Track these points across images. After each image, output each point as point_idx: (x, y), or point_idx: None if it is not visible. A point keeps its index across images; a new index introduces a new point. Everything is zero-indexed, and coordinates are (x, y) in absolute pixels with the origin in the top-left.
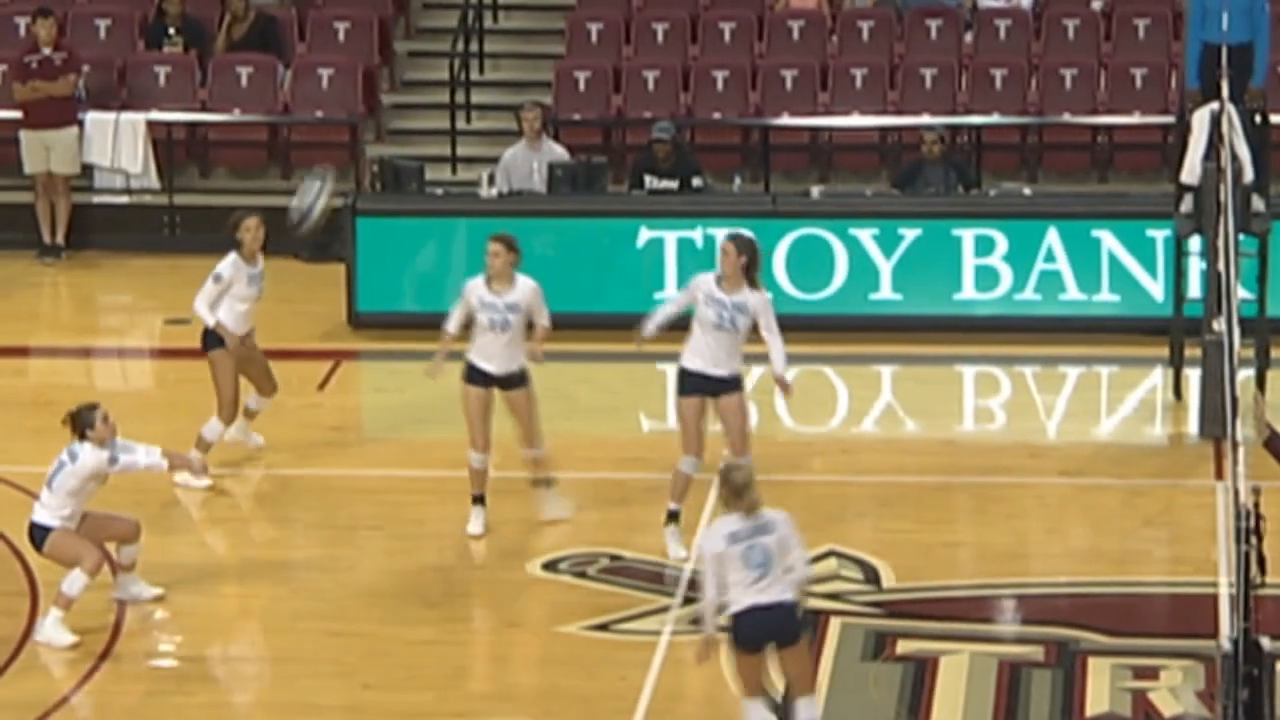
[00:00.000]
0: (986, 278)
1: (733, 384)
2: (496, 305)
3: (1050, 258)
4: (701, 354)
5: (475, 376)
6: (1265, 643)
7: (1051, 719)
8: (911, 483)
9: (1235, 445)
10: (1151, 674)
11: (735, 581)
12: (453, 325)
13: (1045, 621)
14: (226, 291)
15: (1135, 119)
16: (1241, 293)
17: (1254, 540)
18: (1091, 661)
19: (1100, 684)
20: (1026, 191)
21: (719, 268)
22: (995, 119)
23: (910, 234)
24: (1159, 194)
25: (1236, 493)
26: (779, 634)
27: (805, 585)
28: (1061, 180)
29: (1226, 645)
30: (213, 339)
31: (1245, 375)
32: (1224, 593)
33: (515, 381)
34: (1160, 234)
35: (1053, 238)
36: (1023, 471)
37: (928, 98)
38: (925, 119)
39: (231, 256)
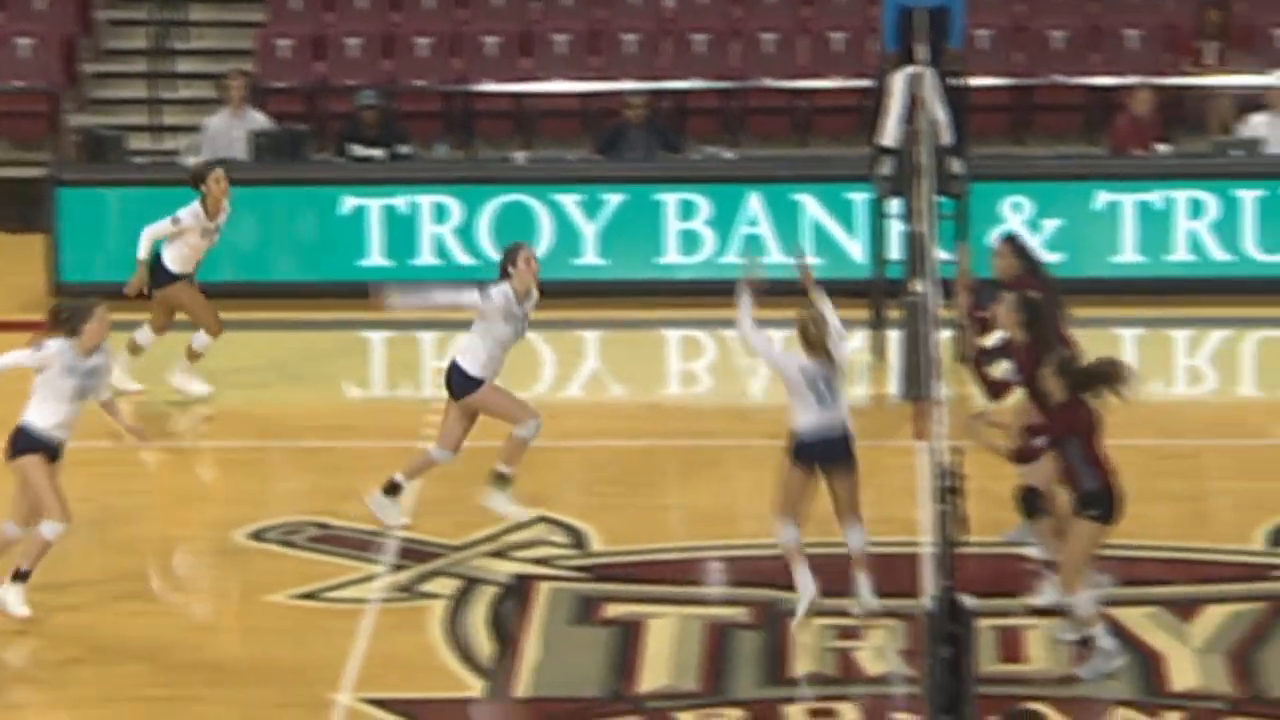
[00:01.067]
0: (689, 242)
1: None
2: None
3: (752, 221)
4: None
5: None
6: (966, 601)
7: (758, 680)
8: (619, 447)
9: (936, 405)
10: (856, 633)
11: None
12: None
13: (752, 583)
14: (179, 236)
15: (834, 83)
16: (940, 254)
17: (955, 500)
18: (796, 622)
19: (806, 644)
20: (728, 155)
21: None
22: (697, 83)
23: (613, 199)
24: (858, 157)
25: (937, 452)
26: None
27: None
28: (763, 144)
29: (929, 604)
30: (164, 275)
31: (945, 336)
32: (926, 552)
33: None
34: (860, 197)
35: (754, 201)
36: (730, 434)
37: (630, 63)
38: (627, 84)
39: (194, 206)
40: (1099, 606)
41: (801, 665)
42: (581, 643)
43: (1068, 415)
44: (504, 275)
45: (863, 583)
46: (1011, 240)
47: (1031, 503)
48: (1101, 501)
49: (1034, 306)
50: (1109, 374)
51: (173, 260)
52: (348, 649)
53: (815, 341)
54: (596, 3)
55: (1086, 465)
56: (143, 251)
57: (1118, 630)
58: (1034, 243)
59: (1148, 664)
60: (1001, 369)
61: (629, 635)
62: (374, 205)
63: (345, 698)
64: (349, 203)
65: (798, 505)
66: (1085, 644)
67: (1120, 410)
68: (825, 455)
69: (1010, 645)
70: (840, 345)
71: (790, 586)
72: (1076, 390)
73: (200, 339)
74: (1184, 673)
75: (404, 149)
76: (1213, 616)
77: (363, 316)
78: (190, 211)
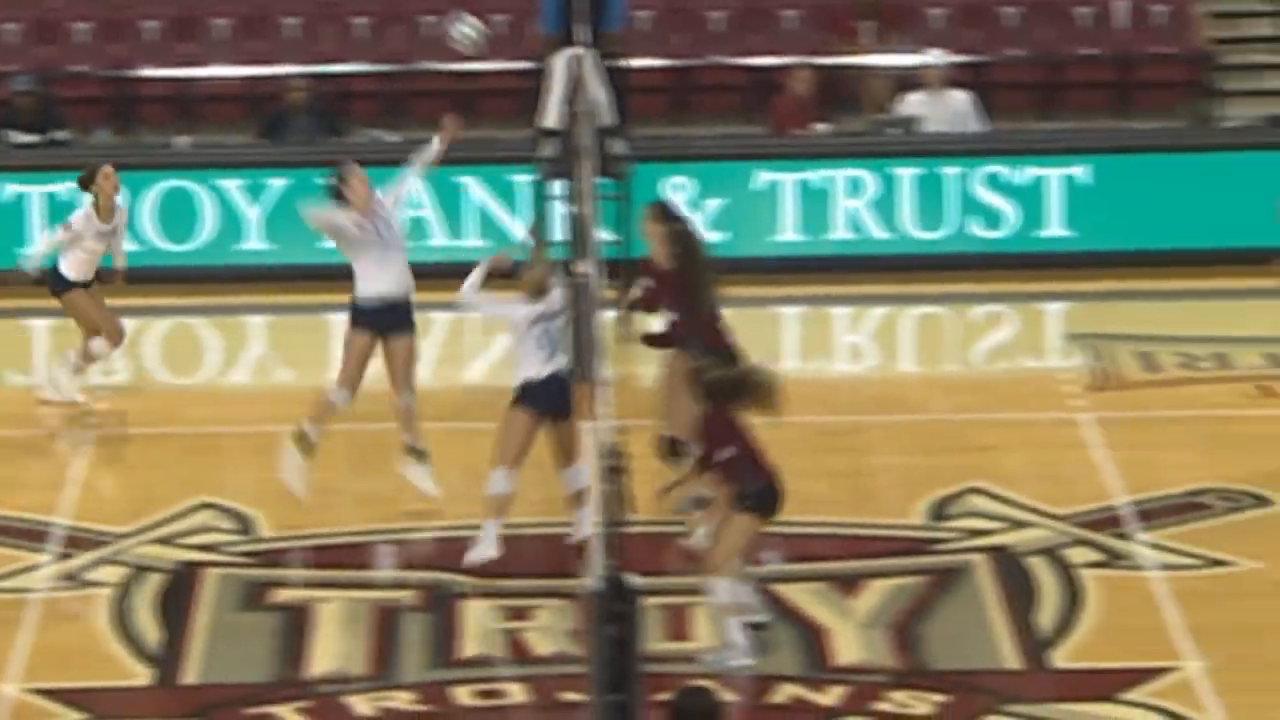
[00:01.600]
0: None
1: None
2: None
3: (416, 204)
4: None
5: None
6: (633, 580)
7: (426, 662)
8: (285, 432)
9: (599, 385)
10: (524, 614)
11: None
12: None
13: (420, 566)
14: (75, 242)
15: (497, 65)
16: (604, 235)
17: (620, 479)
18: (466, 604)
19: (474, 626)
20: (391, 138)
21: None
22: (358, 67)
23: (277, 183)
24: (521, 139)
25: (603, 432)
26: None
27: None
28: (426, 127)
29: (595, 583)
30: (62, 281)
31: (609, 316)
32: (593, 532)
33: None
34: (523, 178)
35: (418, 184)
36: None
37: (291, 47)
38: (289, 68)
39: (86, 209)
40: (740, 598)
41: (470, 647)
42: (250, 629)
43: (720, 422)
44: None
45: (584, 518)
46: (660, 206)
47: (671, 449)
48: (763, 499)
49: (686, 239)
50: (752, 388)
51: (70, 267)
52: (13, 639)
53: (541, 288)
54: None
55: (748, 467)
56: (33, 264)
57: (782, 606)
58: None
59: (811, 639)
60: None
61: (298, 620)
62: (35, 192)
63: (11, 689)
64: (10, 189)
65: (520, 456)
66: (759, 629)
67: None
68: (553, 402)
69: (678, 623)
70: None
71: (461, 569)
72: (717, 402)
73: (98, 344)
74: (847, 647)
75: (61, 135)
76: (875, 591)
77: (24, 304)
78: (83, 215)
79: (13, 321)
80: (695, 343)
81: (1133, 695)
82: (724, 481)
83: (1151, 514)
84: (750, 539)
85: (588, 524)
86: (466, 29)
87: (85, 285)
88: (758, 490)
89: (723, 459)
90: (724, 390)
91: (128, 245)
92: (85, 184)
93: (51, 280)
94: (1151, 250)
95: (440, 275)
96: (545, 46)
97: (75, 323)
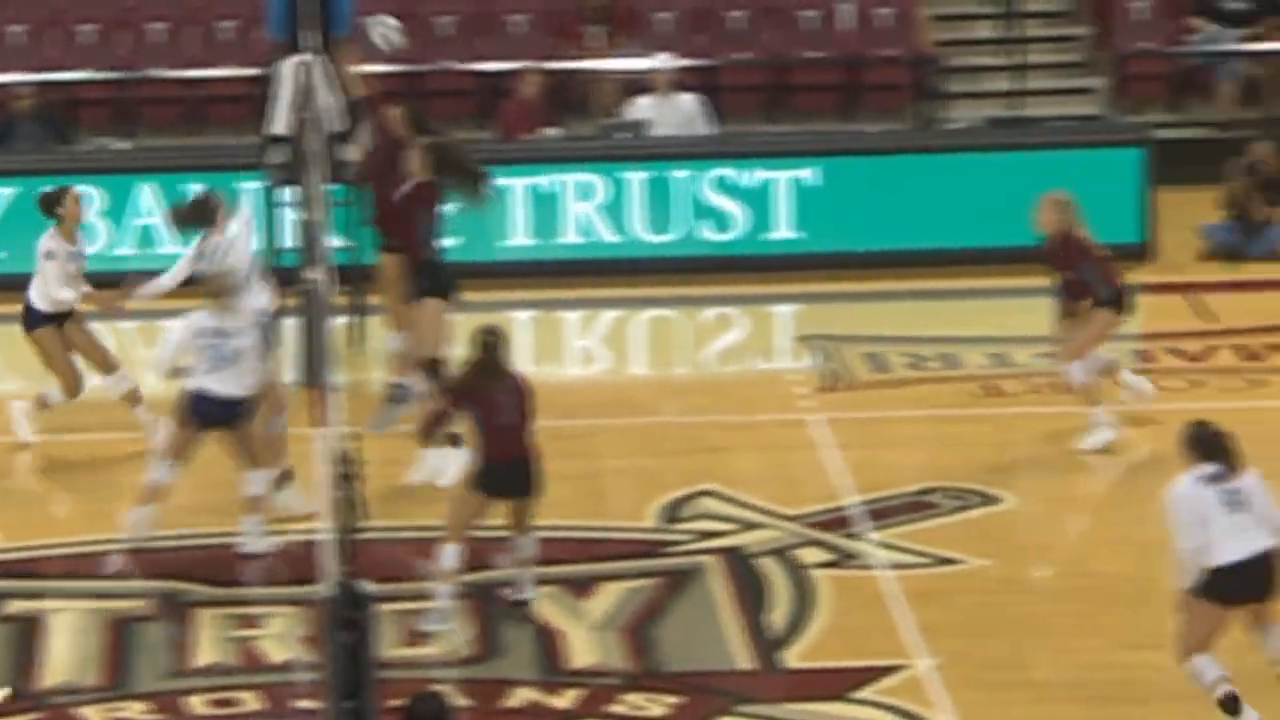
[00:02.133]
0: (84, 234)
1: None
2: None
3: (147, 212)
4: None
5: None
6: (365, 586)
7: (160, 672)
8: (11, 443)
9: (331, 392)
10: (258, 622)
11: None
12: None
13: (154, 575)
14: (49, 271)
15: (224, 71)
16: (335, 241)
17: (352, 486)
18: (199, 613)
19: (208, 635)
20: (121, 146)
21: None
22: (86, 74)
23: (6, 192)
24: (250, 146)
25: (334, 439)
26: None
27: None
28: (156, 134)
29: (328, 590)
30: (36, 317)
31: (341, 322)
32: (326, 538)
33: None
34: (253, 186)
35: (147, 192)
36: (124, 427)
37: (16, 54)
38: (14, 76)
39: (53, 234)
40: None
41: (204, 656)
42: None
43: (468, 388)
44: None
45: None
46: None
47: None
48: (484, 479)
49: (443, 150)
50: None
51: (42, 299)
52: None
53: (219, 299)
54: None
55: (481, 440)
56: (70, 299)
57: (516, 610)
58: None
59: (545, 642)
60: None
61: (29, 632)
62: None
63: None
64: None
65: (180, 459)
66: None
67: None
68: (212, 416)
69: (410, 628)
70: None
71: (194, 578)
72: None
73: (53, 394)
74: (581, 650)
75: None
76: (608, 594)
77: None
78: (52, 239)
79: None
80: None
81: (864, 694)
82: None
83: (881, 513)
84: (472, 512)
85: (255, 534)
86: (387, 30)
87: (58, 319)
88: (481, 469)
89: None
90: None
91: None
92: (50, 207)
93: (26, 315)
94: (879, 251)
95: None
96: (273, 53)
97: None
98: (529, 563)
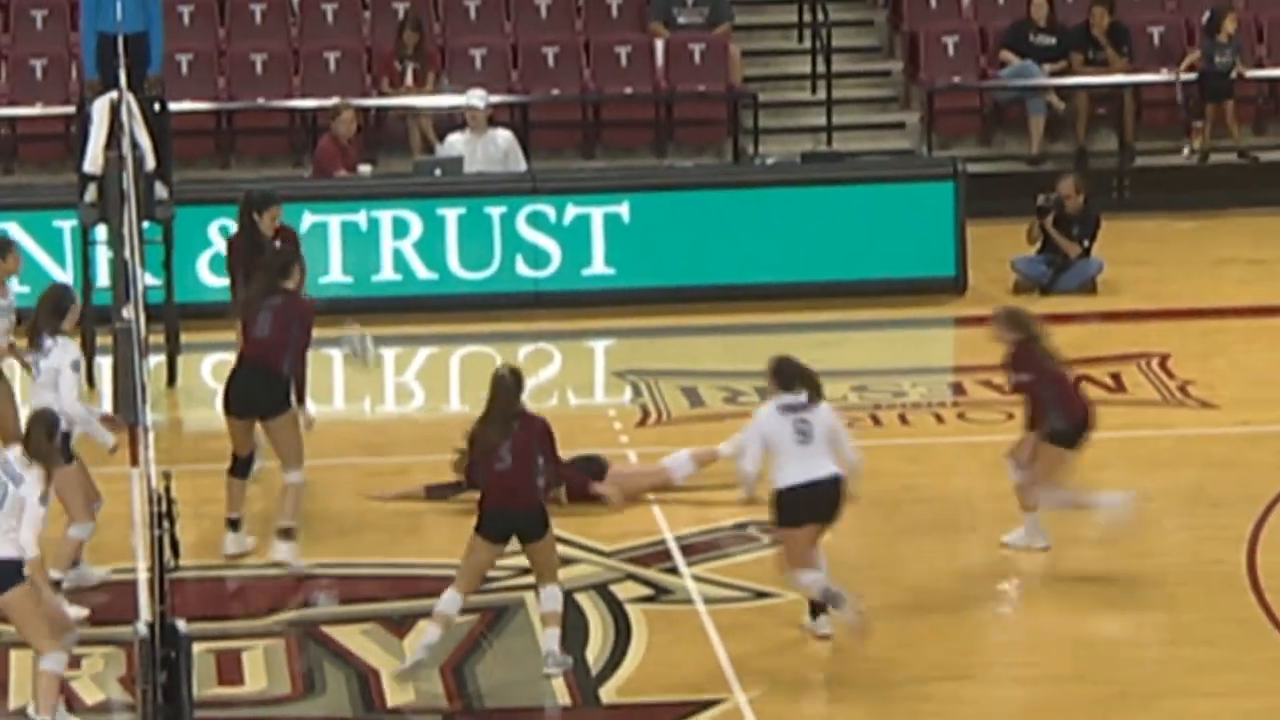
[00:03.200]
0: None
1: None
2: None
3: None
4: None
5: None
6: (181, 625)
7: None
8: None
9: (147, 431)
10: (74, 663)
11: None
12: None
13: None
14: None
15: (38, 109)
16: (149, 279)
17: (167, 525)
18: (11, 653)
19: (20, 676)
20: None
21: None
22: None
23: None
24: (64, 184)
25: (149, 478)
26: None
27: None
28: None
29: (143, 629)
30: None
31: (155, 361)
32: (141, 577)
33: None
34: (67, 224)
35: None
36: None
37: None
38: None
39: None
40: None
41: (16, 697)
42: None
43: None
44: None
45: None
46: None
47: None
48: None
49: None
50: None
51: None
52: None
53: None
54: None
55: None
56: None
57: (333, 648)
58: None
59: (364, 681)
60: None
61: None
62: None
63: None
64: None
65: None
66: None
67: (330, 431)
68: None
69: (229, 667)
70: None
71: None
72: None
73: None
74: (399, 688)
75: None
76: (425, 630)
77: None
78: None
79: None
80: None
81: None
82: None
83: (698, 547)
84: (485, 560)
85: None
86: (357, 345)
87: None
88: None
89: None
90: None
91: None
92: None
93: None
94: (694, 286)
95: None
96: (87, 90)
97: None
98: (551, 620)
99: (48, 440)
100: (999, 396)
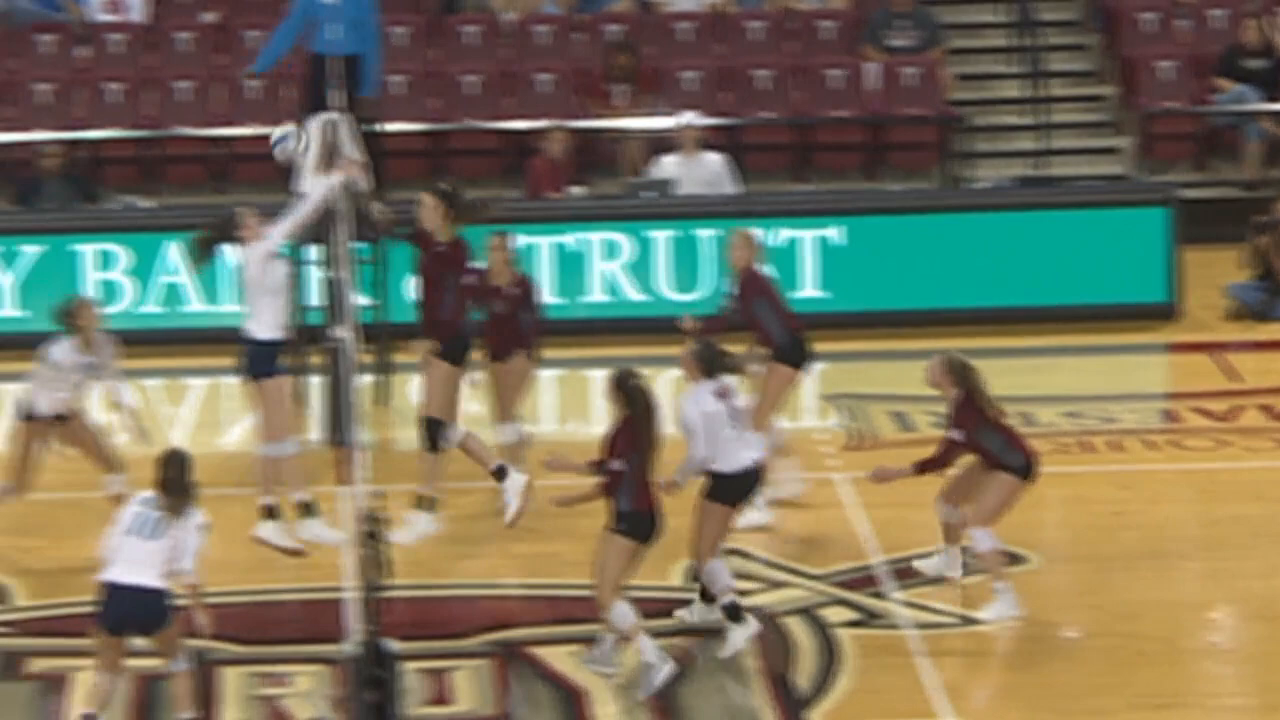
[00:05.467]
0: (109, 292)
1: None
2: None
3: (173, 270)
4: None
5: None
6: (390, 645)
7: None
8: (43, 500)
9: (356, 451)
10: (283, 681)
11: None
12: None
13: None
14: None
15: (251, 130)
16: (360, 299)
17: (377, 544)
18: (224, 671)
19: (233, 693)
20: (146, 204)
21: None
22: (112, 133)
23: (31, 250)
24: (277, 204)
25: (359, 497)
26: None
27: None
28: (181, 192)
29: (353, 648)
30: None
31: (367, 381)
32: (351, 596)
33: None
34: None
35: (174, 250)
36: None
37: (43, 113)
38: (41, 134)
39: (66, 343)
40: (635, 620)
41: (230, 715)
42: (4, 700)
43: (624, 433)
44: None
45: None
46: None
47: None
48: (636, 524)
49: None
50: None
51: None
52: None
53: None
54: (8, 53)
55: (632, 487)
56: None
57: (540, 669)
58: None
59: (571, 701)
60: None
61: (54, 690)
62: None
63: None
64: None
65: None
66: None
67: (541, 451)
68: None
69: (437, 687)
70: None
71: (218, 635)
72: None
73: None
74: (606, 709)
75: None
76: (634, 652)
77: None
78: (63, 349)
79: None
80: None
81: None
82: (606, 493)
83: (907, 573)
84: (625, 562)
85: None
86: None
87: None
88: (633, 514)
89: (613, 469)
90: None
91: None
92: (64, 319)
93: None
94: (904, 310)
95: (199, 341)
96: (300, 111)
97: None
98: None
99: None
100: (1212, 423)
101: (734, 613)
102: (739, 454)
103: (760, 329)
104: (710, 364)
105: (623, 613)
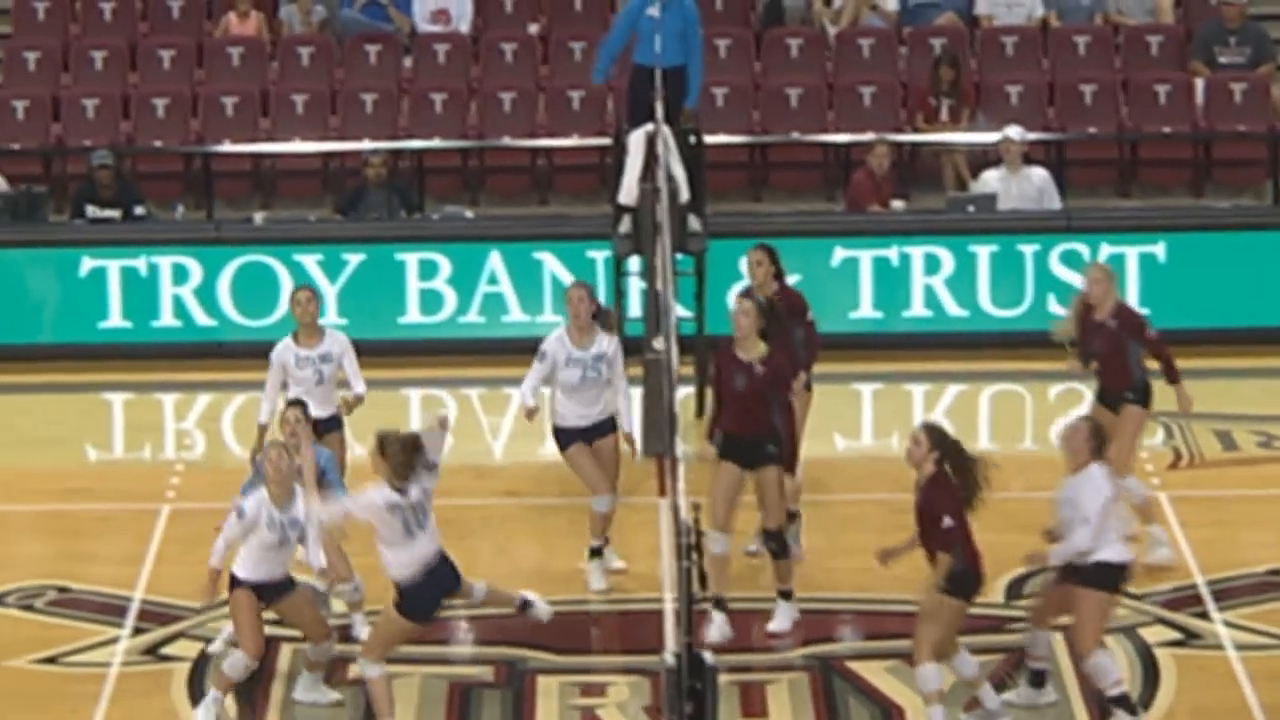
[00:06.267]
0: (431, 301)
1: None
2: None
3: (493, 280)
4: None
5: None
6: (707, 656)
7: None
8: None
9: (676, 462)
10: (599, 690)
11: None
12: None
13: (495, 642)
14: (250, 531)
15: (573, 141)
16: (680, 311)
17: (695, 556)
18: (540, 680)
19: (549, 702)
20: (468, 215)
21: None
22: (436, 143)
23: (354, 259)
24: (598, 215)
25: (678, 509)
26: None
27: None
28: (503, 203)
29: (671, 660)
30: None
31: (685, 393)
32: (668, 608)
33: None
34: (600, 255)
35: (495, 260)
36: (469, 493)
37: (368, 122)
38: (366, 144)
39: (260, 493)
40: (940, 685)
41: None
42: (325, 704)
43: (949, 490)
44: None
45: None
46: (764, 249)
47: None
48: (964, 581)
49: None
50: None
51: (248, 565)
52: (90, 714)
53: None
54: (334, 62)
55: (959, 543)
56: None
57: (858, 684)
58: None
59: (889, 717)
60: None
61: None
62: (113, 266)
63: None
64: (87, 264)
65: None
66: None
67: (858, 465)
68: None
69: (753, 700)
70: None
71: (535, 645)
72: (947, 460)
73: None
74: None
75: (139, 209)
76: (951, 669)
77: (102, 378)
78: (255, 501)
79: (93, 396)
80: None
81: None
82: (937, 550)
83: (1229, 593)
84: (953, 624)
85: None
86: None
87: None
88: (962, 573)
89: (944, 527)
90: (957, 454)
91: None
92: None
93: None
94: (1229, 328)
95: (517, 351)
96: (623, 122)
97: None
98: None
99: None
100: None
101: (1125, 703)
102: (1123, 539)
103: (1126, 367)
104: (1101, 444)
105: (932, 674)
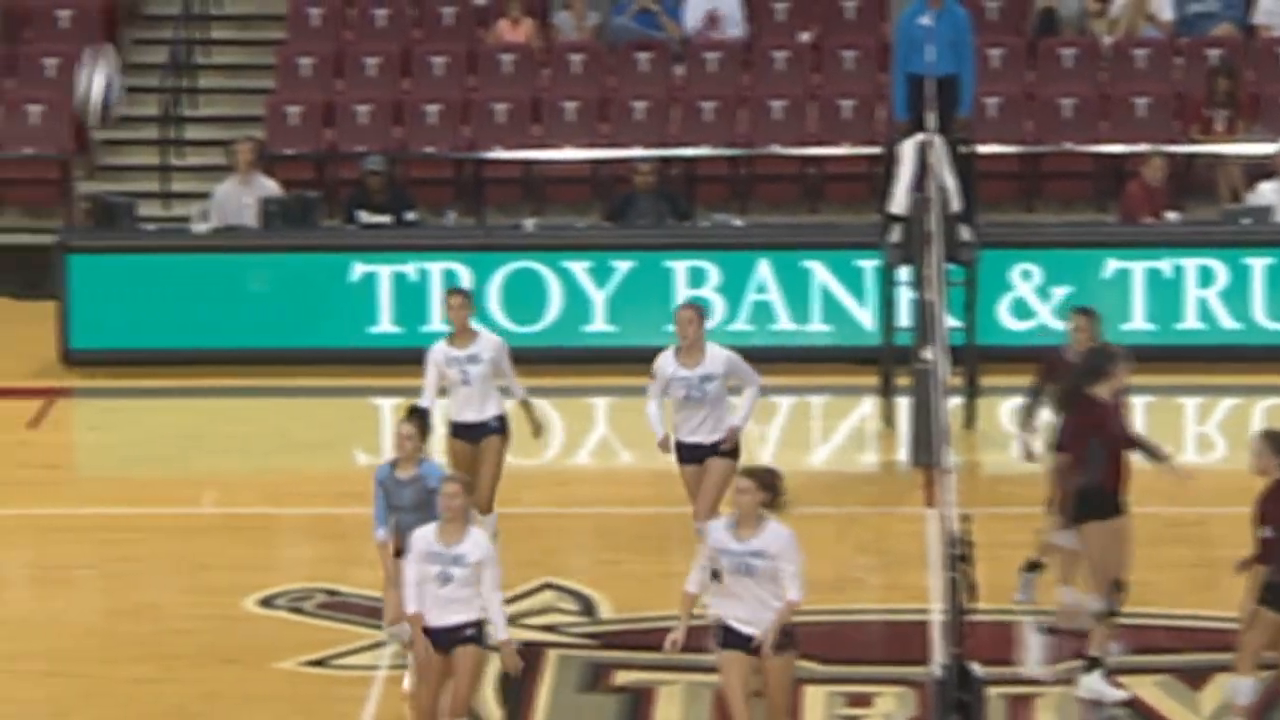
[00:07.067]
0: None
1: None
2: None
3: (762, 288)
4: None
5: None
6: (976, 668)
7: None
8: (627, 514)
9: (945, 472)
10: (865, 701)
11: None
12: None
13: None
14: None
15: (844, 150)
16: (950, 321)
17: (964, 567)
18: (807, 689)
19: (815, 711)
20: (737, 223)
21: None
22: (706, 150)
23: (623, 266)
24: (868, 224)
25: (947, 519)
26: None
27: None
28: (772, 211)
29: (938, 671)
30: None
31: (955, 403)
32: (936, 619)
33: None
34: (870, 264)
35: (764, 268)
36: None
37: (639, 130)
38: (637, 151)
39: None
40: (1251, 699)
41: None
42: (591, 710)
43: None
44: None
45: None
46: (1085, 312)
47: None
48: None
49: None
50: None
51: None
52: (357, 716)
53: None
54: (606, 70)
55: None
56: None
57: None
58: (1043, 310)
59: None
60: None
61: (639, 703)
62: (384, 272)
63: None
64: (359, 269)
65: None
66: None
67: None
68: None
69: (1020, 713)
70: None
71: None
72: None
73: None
74: None
75: (410, 215)
76: (1222, 684)
77: (372, 383)
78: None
79: (362, 401)
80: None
81: None
82: (1262, 562)
83: None
84: (1271, 637)
85: None
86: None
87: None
88: (1276, 584)
89: (1264, 537)
90: None
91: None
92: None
93: None
94: None
95: (785, 359)
96: (894, 131)
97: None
98: None
99: None
100: None
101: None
102: None
103: None
104: None
105: (1246, 689)
